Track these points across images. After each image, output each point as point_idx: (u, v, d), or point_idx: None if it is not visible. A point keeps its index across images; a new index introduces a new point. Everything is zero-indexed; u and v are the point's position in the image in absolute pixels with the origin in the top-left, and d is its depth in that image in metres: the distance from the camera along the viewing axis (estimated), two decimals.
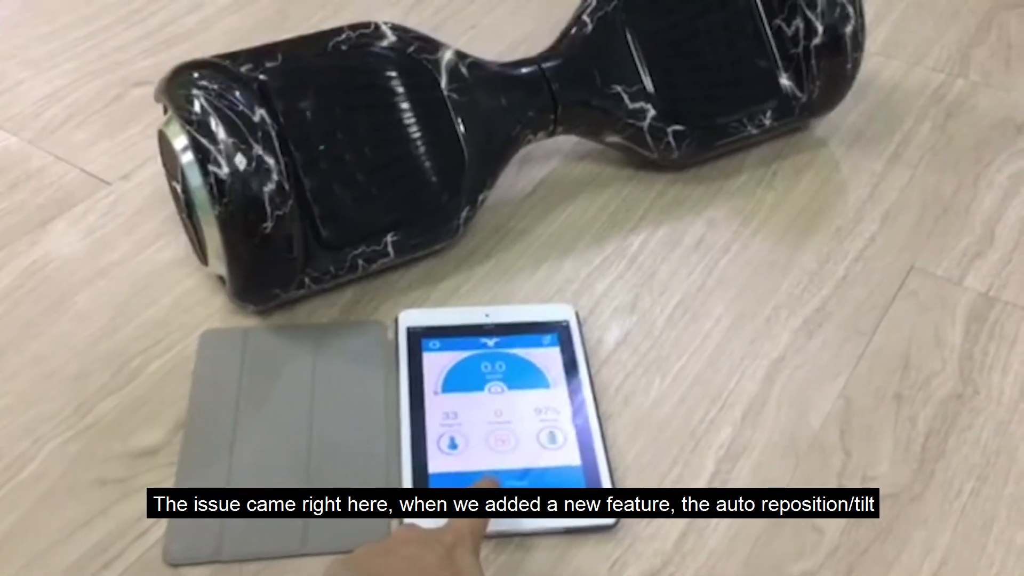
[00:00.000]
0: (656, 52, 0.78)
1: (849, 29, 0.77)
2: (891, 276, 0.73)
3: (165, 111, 0.67)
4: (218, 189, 0.61)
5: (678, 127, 0.77)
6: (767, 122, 0.79)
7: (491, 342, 0.67)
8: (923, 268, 0.74)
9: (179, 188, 0.67)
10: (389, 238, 0.68)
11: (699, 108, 0.78)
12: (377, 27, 0.71)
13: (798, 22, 0.78)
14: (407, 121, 0.70)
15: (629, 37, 0.77)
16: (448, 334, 0.67)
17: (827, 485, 0.60)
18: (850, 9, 0.77)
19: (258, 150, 0.61)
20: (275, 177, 0.62)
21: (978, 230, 0.77)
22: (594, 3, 0.78)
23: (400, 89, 0.70)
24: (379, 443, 0.61)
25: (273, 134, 0.63)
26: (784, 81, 0.79)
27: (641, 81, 0.77)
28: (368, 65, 0.70)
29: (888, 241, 0.76)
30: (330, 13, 0.99)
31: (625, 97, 0.76)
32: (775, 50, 0.80)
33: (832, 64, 0.78)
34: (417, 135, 0.70)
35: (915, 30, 0.98)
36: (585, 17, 0.78)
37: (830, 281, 0.73)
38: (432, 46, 0.72)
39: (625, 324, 0.70)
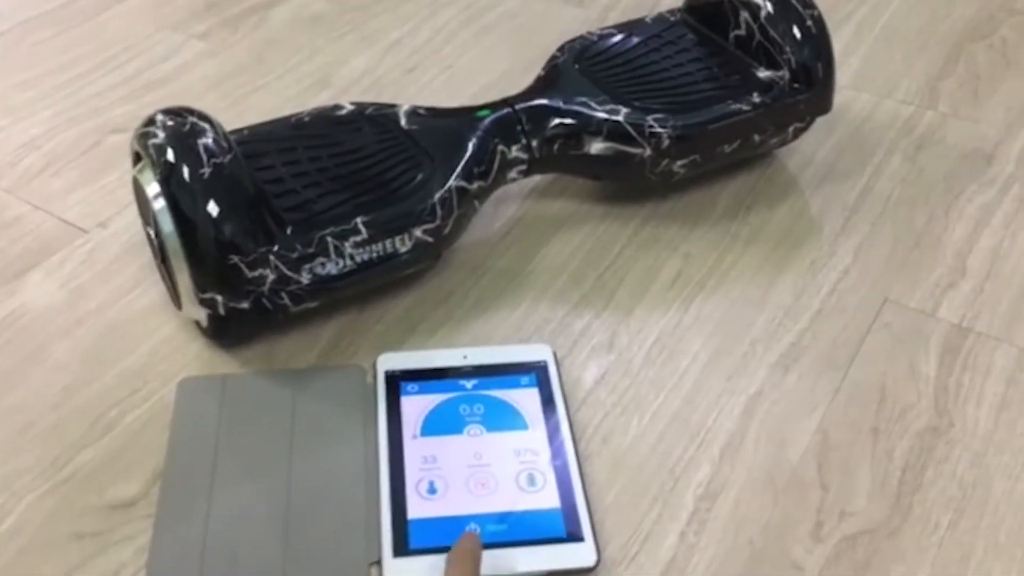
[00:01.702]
0: (616, 84, 0.80)
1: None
2: (865, 309, 0.74)
3: (138, 158, 0.67)
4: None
5: (658, 115, 0.76)
6: (757, 100, 0.78)
7: (469, 384, 0.67)
8: (897, 300, 0.75)
9: (152, 233, 0.67)
10: (359, 220, 0.67)
11: (675, 106, 0.78)
12: (336, 104, 0.76)
13: (747, 19, 0.81)
14: (370, 148, 0.72)
15: (585, 79, 0.80)
16: (427, 377, 0.68)
17: (805, 521, 0.61)
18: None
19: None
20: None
21: (950, 261, 0.78)
22: (546, 61, 0.83)
23: (361, 132, 0.74)
24: (358, 489, 0.61)
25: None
26: (762, 73, 0.80)
27: (604, 96, 0.78)
28: (328, 126, 0.74)
29: (862, 274, 0.77)
30: (305, 57, 1.00)
31: (592, 104, 0.77)
32: (742, 57, 0.82)
33: (800, 32, 0.80)
34: (381, 151, 0.72)
35: (884, 63, 0.99)
36: (539, 72, 0.83)
37: (805, 315, 0.74)
38: (389, 106, 0.76)
39: (603, 363, 0.70)
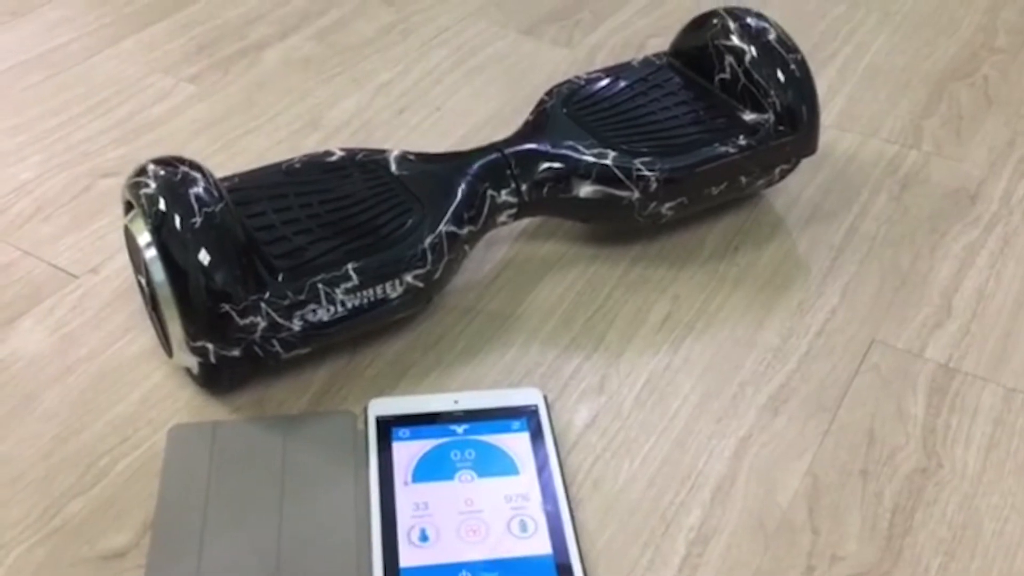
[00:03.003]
0: (604, 128, 0.80)
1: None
2: (853, 350, 0.75)
3: (130, 207, 0.67)
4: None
5: (645, 159, 0.77)
6: (743, 142, 0.79)
7: (460, 429, 0.68)
8: (884, 340, 0.75)
9: (144, 282, 0.68)
10: (350, 266, 0.67)
11: (662, 149, 0.79)
12: (327, 150, 0.76)
13: (732, 63, 0.82)
14: (361, 194, 0.73)
15: (573, 122, 0.81)
16: (418, 422, 0.68)
17: (796, 565, 0.61)
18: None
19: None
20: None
21: (936, 301, 0.79)
22: (535, 106, 0.84)
23: (352, 179, 0.74)
24: (349, 537, 0.61)
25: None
26: (747, 116, 0.81)
27: (591, 140, 0.79)
28: (318, 173, 0.75)
29: (849, 314, 0.78)
30: (296, 99, 1.01)
31: (580, 147, 0.78)
32: (728, 100, 0.83)
33: (784, 75, 0.81)
34: (371, 197, 0.73)
35: (868, 102, 1.00)
36: (527, 116, 0.84)
37: (793, 356, 0.74)
38: (379, 152, 0.76)
39: (593, 406, 0.71)
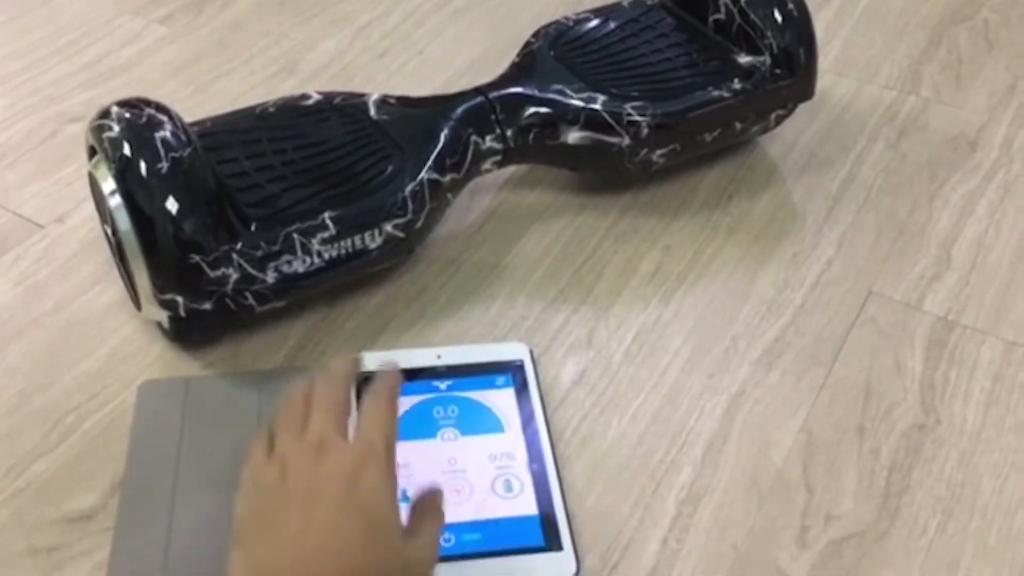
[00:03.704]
0: (593, 71, 0.77)
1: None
2: (849, 302, 0.72)
3: (94, 152, 0.64)
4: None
5: (636, 103, 0.74)
6: (738, 86, 0.75)
7: (443, 385, 0.65)
8: (881, 293, 0.73)
9: (110, 231, 0.64)
10: (327, 215, 0.64)
11: (654, 93, 0.75)
12: (303, 93, 0.73)
13: (727, 2, 0.79)
14: (338, 140, 0.69)
15: (561, 65, 0.77)
16: None
17: (791, 525, 0.59)
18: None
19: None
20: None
21: (934, 252, 0.76)
22: (521, 48, 0.80)
23: (329, 123, 0.70)
24: None
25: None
26: (743, 59, 0.78)
27: (580, 83, 0.75)
28: (294, 117, 0.71)
29: (845, 266, 0.75)
30: (272, 42, 0.96)
31: (568, 91, 0.74)
32: (722, 42, 0.79)
33: (781, 15, 0.77)
34: (349, 143, 0.69)
35: (866, 47, 0.97)
36: (513, 59, 0.80)
37: (788, 309, 0.72)
38: (357, 95, 0.73)
39: (581, 361, 0.68)
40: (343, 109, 0.72)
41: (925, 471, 0.62)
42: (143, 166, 0.59)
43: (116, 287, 0.71)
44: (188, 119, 0.67)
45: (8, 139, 0.85)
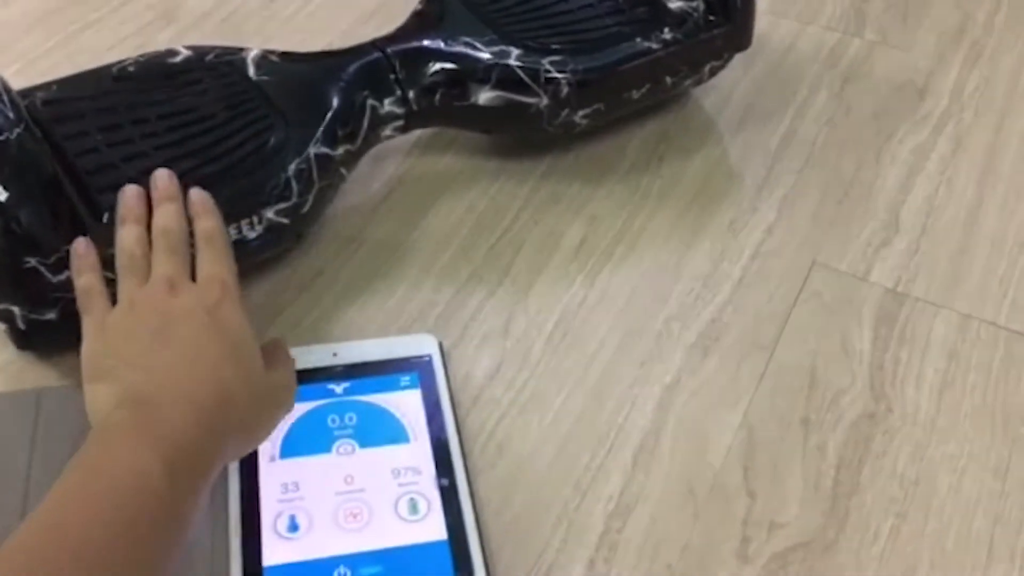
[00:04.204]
0: (506, 21, 0.68)
1: None
2: (792, 275, 0.66)
3: None
4: None
5: (555, 58, 0.65)
6: (668, 36, 0.68)
7: (339, 388, 0.57)
8: (826, 263, 0.66)
9: None
10: None
11: (575, 46, 0.67)
12: (170, 49, 0.63)
13: None
14: (209, 107, 0.60)
15: (471, 14, 0.68)
16: None
17: (731, 537, 0.53)
18: None
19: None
20: None
21: (882, 215, 0.70)
22: None
23: (199, 85, 0.61)
24: (202, 530, 0.51)
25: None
26: (673, 4, 0.70)
27: (492, 35, 0.67)
28: (158, 79, 0.61)
29: (787, 233, 0.68)
30: None
31: (478, 44, 0.66)
32: None
33: None
34: (222, 111, 0.60)
35: None
36: (416, 6, 0.71)
37: (726, 285, 0.65)
38: (234, 51, 0.63)
39: (497, 353, 0.61)
40: (216, 68, 0.62)
41: (876, 468, 0.56)
42: None
43: None
44: (46, 79, 0.58)
45: None
